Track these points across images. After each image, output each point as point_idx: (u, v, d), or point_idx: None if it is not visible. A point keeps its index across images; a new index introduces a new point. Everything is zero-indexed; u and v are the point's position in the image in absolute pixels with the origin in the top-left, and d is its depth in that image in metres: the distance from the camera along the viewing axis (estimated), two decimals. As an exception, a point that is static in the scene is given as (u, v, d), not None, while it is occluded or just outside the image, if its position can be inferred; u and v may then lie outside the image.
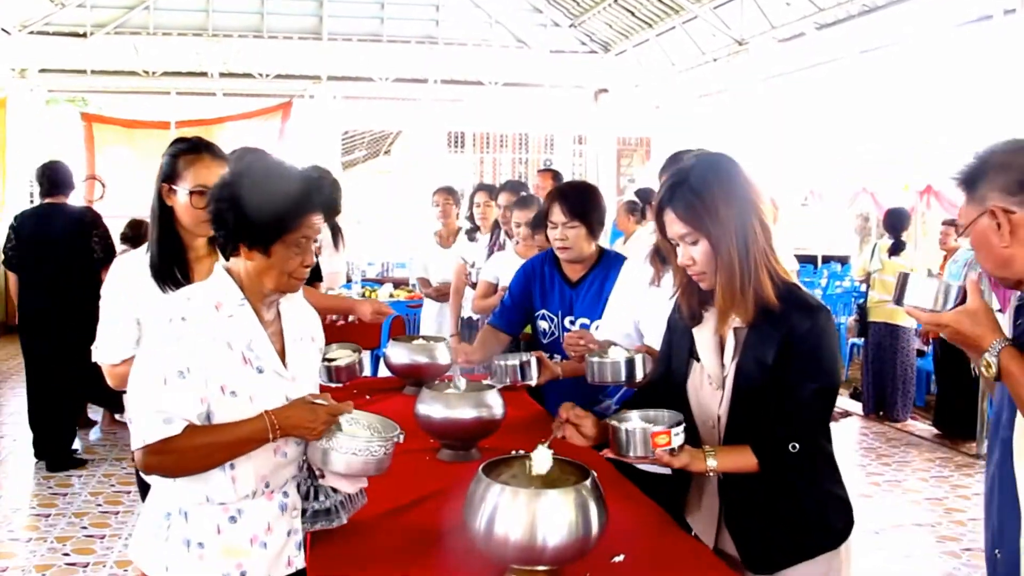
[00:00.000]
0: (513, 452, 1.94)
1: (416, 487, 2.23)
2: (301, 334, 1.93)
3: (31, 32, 10.96)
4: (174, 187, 2.32)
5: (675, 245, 1.85)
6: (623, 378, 2.35)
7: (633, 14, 11.15)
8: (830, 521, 1.91)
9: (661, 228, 1.87)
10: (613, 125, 13.31)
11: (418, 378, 3.16)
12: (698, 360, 1.93)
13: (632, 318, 2.66)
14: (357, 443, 1.75)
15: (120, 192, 11.80)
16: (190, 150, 2.36)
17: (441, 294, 5.47)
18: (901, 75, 9.34)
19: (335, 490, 1.88)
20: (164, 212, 2.33)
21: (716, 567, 1.81)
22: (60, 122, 16.33)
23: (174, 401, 1.66)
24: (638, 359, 2.35)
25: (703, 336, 1.92)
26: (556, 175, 6.14)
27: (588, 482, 1.63)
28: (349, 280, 7.82)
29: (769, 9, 8.94)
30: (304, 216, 1.75)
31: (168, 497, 1.80)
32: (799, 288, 1.85)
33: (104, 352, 2.30)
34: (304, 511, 1.88)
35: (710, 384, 1.91)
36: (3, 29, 10.52)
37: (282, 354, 1.84)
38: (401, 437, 1.83)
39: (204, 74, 11.66)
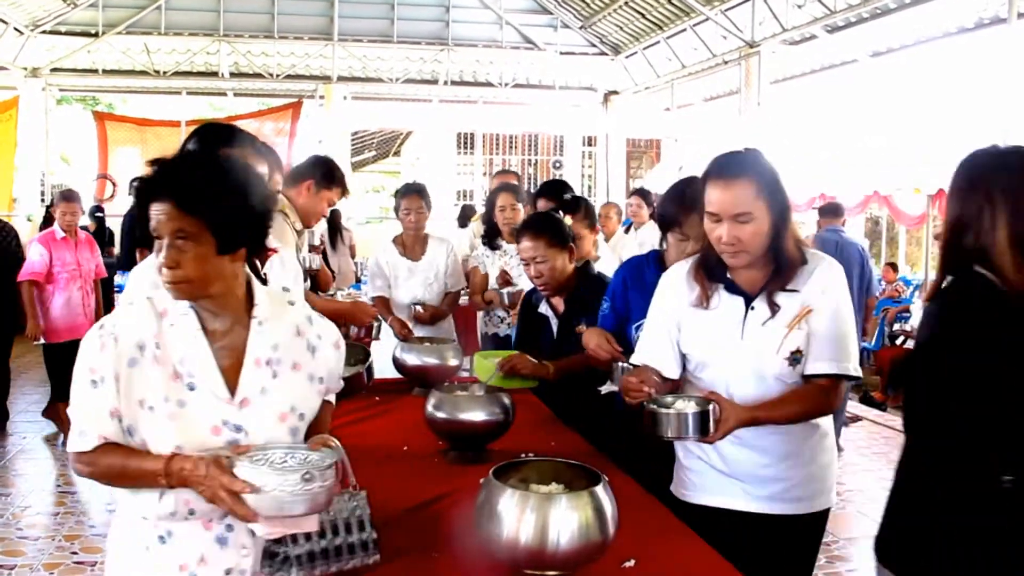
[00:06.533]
0: (523, 455, 1.93)
1: (424, 489, 2.22)
2: (275, 357, 1.66)
3: (43, 31, 11.02)
4: None
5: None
6: (691, 434, 1.89)
7: (643, 16, 11.13)
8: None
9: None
10: (623, 127, 13.30)
11: (428, 380, 3.16)
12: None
13: (672, 337, 2.17)
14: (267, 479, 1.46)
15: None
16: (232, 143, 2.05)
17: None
18: (913, 78, 9.28)
19: (308, 537, 1.64)
20: None
21: (727, 572, 1.79)
22: (71, 121, 16.40)
23: (88, 414, 1.59)
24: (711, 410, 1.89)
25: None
26: (514, 177, 5.68)
27: (600, 487, 1.62)
28: (358, 280, 7.81)
29: (780, 11, 8.92)
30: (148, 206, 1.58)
31: (121, 503, 1.71)
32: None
33: None
34: (274, 555, 1.65)
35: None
36: (15, 28, 10.57)
37: (233, 372, 1.62)
38: (327, 474, 1.50)
39: (215, 74, 11.72)
